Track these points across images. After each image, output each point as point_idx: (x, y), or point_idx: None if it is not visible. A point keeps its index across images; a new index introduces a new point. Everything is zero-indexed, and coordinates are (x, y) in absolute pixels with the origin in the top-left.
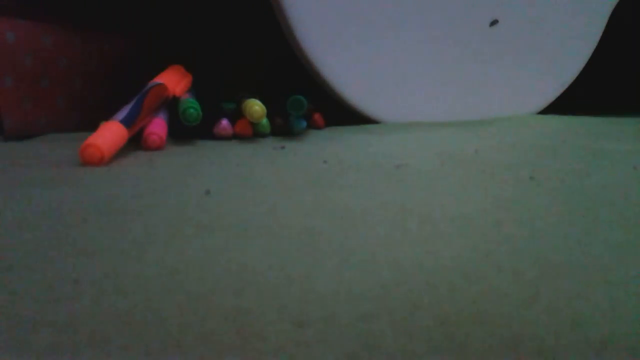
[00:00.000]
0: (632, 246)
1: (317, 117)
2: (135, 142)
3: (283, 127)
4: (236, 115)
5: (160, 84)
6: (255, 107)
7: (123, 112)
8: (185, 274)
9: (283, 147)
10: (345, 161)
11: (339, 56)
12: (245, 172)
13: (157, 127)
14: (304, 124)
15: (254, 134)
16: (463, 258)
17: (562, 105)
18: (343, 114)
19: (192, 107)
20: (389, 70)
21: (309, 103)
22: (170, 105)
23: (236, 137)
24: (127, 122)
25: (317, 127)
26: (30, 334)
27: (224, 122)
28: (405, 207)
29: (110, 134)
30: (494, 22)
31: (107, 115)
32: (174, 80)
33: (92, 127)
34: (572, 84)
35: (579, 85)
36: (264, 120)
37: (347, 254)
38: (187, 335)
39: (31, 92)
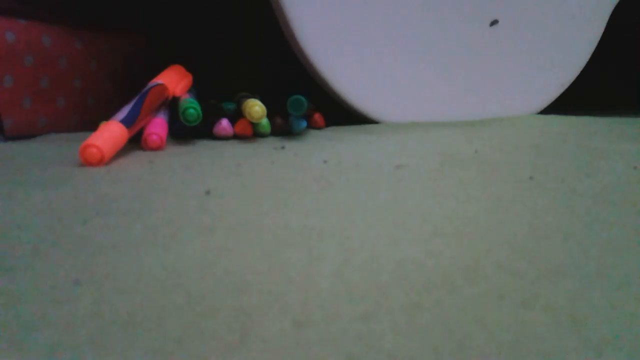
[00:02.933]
0: (632, 246)
1: (317, 117)
2: (135, 142)
3: (283, 127)
4: (236, 115)
5: (160, 84)
6: (255, 107)
7: (123, 112)
8: (185, 274)
9: (283, 147)
10: (345, 161)
11: (339, 56)
12: (245, 172)
13: (157, 127)
14: (304, 124)
15: (254, 134)
16: (463, 258)
17: (563, 105)
18: (343, 114)
19: (192, 107)
20: (389, 70)
21: (309, 103)
22: (170, 105)
23: (236, 137)
24: (127, 122)
25: (317, 127)
26: (31, 334)
27: (224, 122)
28: (405, 207)
29: (110, 134)
30: (494, 22)
31: (107, 115)
32: (174, 80)
33: (92, 127)
34: (572, 84)
35: (579, 85)
36: (264, 120)
37: (347, 254)
38: (187, 335)
39: (31, 92)
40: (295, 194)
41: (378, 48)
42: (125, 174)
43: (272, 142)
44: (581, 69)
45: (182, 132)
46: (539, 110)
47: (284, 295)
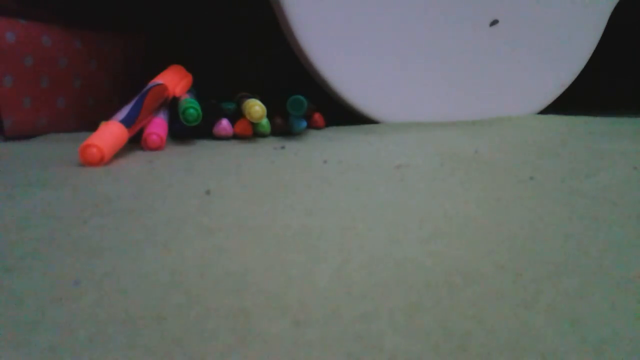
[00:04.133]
0: (632, 246)
1: (317, 117)
2: (135, 142)
3: (283, 127)
4: (236, 115)
5: (160, 84)
6: (255, 107)
7: (123, 112)
8: (185, 274)
9: (283, 147)
10: (345, 161)
11: (339, 56)
12: (245, 172)
13: (157, 127)
14: (304, 124)
15: (254, 134)
16: (463, 258)
17: (563, 105)
18: (343, 114)
19: (192, 107)
20: (389, 70)
21: (309, 103)
22: (170, 105)
23: (236, 137)
24: (127, 122)
25: (317, 127)
26: (31, 334)
27: (224, 122)
28: (405, 207)
29: (110, 134)
30: (494, 22)
31: (107, 115)
32: (174, 80)
33: (92, 127)
34: (572, 84)
35: (579, 85)
36: (264, 120)
37: (347, 254)
38: (187, 335)
39: (31, 92)
40: (295, 194)
41: (378, 48)
42: (125, 174)
43: (272, 142)
44: (581, 69)
45: (182, 132)
46: (539, 110)
47: (284, 295)
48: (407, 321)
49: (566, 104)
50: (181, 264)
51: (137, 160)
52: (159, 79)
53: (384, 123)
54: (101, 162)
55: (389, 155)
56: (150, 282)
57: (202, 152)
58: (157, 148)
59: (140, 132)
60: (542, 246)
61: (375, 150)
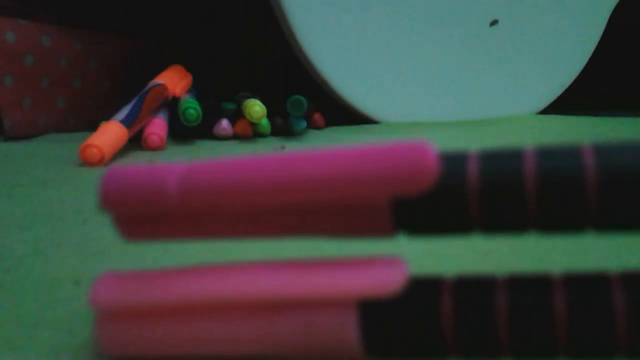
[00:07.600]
0: (632, 246)
1: (317, 117)
2: (135, 142)
3: (283, 127)
4: (236, 115)
5: (160, 84)
6: (255, 107)
7: (123, 112)
8: None
9: (283, 147)
10: None
11: (339, 56)
12: None
13: (157, 127)
14: (304, 124)
15: (254, 134)
16: (463, 258)
17: (563, 105)
18: (343, 114)
19: (192, 107)
20: (389, 70)
21: (309, 103)
22: (170, 105)
23: (236, 137)
24: (127, 122)
25: (317, 127)
26: (31, 334)
27: (224, 122)
28: None
29: (110, 134)
30: (494, 22)
31: (107, 115)
32: (174, 80)
33: (92, 127)
34: (572, 84)
35: (579, 85)
36: (264, 120)
37: (347, 254)
38: None
39: (31, 92)
40: None
41: (378, 48)
42: None
43: (272, 142)
44: (581, 69)
45: (182, 132)
46: (539, 110)
47: None
48: None
49: (566, 104)
50: (181, 264)
51: (137, 161)
52: (159, 79)
53: (384, 123)
54: (101, 162)
55: None
56: None
57: (202, 152)
58: (157, 148)
59: (140, 132)
60: (542, 246)
61: None
